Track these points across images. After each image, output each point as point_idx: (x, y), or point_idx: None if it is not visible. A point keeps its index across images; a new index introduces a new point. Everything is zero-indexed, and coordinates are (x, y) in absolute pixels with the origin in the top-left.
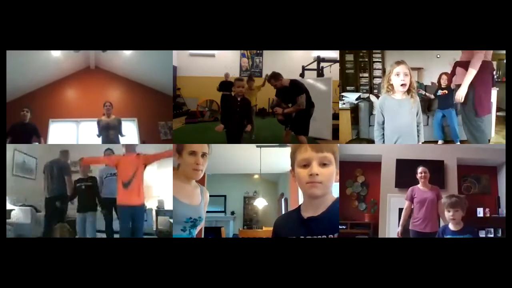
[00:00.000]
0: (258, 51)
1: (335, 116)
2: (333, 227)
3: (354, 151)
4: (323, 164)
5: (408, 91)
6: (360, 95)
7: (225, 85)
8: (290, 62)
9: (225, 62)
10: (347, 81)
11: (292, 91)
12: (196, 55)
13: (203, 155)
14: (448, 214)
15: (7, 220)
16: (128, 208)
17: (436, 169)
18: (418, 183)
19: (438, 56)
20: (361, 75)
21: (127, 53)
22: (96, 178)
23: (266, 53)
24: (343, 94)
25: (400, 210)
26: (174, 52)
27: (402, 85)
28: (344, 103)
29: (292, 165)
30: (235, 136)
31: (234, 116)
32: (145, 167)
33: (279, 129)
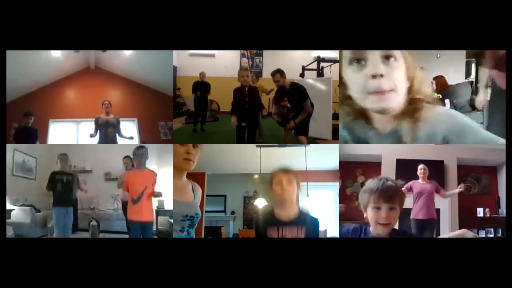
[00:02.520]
0: (258, 51)
1: (335, 116)
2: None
3: (354, 151)
4: (289, 183)
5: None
6: None
7: (200, 85)
8: (290, 62)
9: (225, 62)
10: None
11: (293, 95)
12: (196, 55)
13: (194, 146)
14: (375, 213)
15: (7, 220)
16: (138, 224)
17: (436, 169)
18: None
19: (438, 56)
20: None
21: (127, 53)
22: (74, 175)
23: (266, 53)
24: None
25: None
26: (174, 52)
27: (373, 76)
28: None
29: (271, 185)
30: (248, 131)
31: (244, 107)
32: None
33: (279, 129)
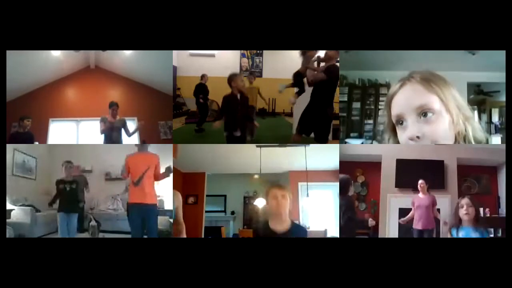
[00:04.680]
0: (258, 51)
1: (335, 116)
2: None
3: (354, 151)
4: (283, 197)
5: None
6: (362, 142)
7: (202, 87)
8: (290, 62)
9: (225, 62)
10: (351, 128)
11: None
12: (196, 55)
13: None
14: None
15: (7, 220)
16: (138, 207)
17: (436, 169)
18: (416, 183)
19: (474, 54)
20: (365, 121)
21: (127, 53)
22: (78, 182)
23: (266, 53)
24: (346, 140)
25: (400, 210)
26: (174, 52)
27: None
28: None
29: (266, 198)
30: (238, 138)
31: (237, 116)
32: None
33: (279, 129)
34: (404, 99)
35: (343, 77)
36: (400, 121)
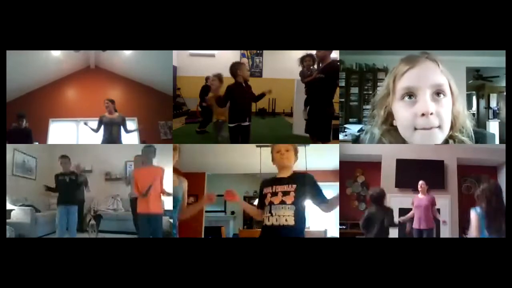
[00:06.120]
0: (258, 51)
1: (335, 116)
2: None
3: (354, 151)
4: (287, 151)
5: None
6: (362, 127)
7: (208, 90)
8: (290, 62)
9: (225, 62)
10: (350, 113)
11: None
12: (196, 55)
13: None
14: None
15: (7, 220)
16: (146, 216)
17: (436, 169)
18: (417, 183)
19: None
20: (364, 107)
21: (127, 53)
22: (78, 175)
23: (266, 53)
24: (345, 126)
25: (400, 210)
26: (174, 52)
27: (422, 114)
28: (346, 135)
29: (272, 155)
30: (247, 128)
31: (244, 104)
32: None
33: (279, 129)
34: (420, 73)
35: (340, 62)
36: (410, 94)
